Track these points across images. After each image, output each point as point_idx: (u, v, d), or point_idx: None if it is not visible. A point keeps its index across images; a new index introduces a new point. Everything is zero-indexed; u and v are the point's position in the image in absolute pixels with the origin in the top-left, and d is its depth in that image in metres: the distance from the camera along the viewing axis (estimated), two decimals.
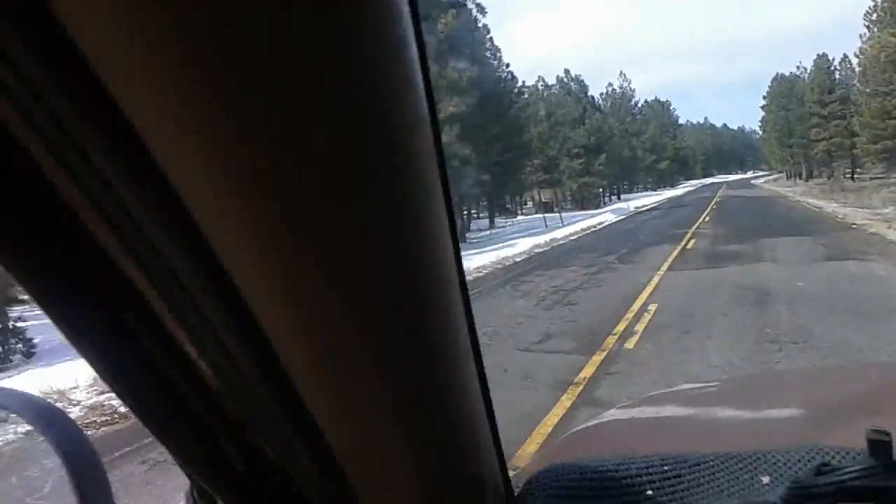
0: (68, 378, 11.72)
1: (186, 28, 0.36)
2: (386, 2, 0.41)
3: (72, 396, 10.68)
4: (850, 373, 2.02)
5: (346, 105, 0.42)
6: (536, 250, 28.20)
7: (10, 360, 16.04)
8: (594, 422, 1.57)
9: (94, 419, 9.00)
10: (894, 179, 48.66)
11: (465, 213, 50.29)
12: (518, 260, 24.64)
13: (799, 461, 0.94)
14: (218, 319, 0.51)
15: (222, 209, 0.44)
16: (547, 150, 59.96)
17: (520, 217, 61.99)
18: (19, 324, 16.49)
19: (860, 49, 51.44)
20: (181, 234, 0.45)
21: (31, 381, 12.95)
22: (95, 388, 10.75)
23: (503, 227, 51.81)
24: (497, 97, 44.60)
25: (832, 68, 73.01)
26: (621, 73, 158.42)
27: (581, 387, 7.35)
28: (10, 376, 14.29)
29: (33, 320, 18.54)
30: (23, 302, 15.99)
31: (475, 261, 27.58)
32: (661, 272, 15.48)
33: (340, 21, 0.39)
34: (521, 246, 31.56)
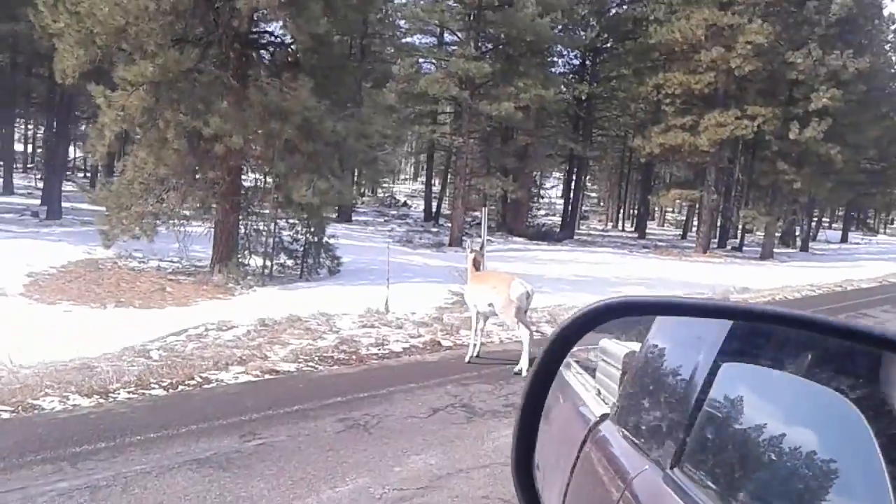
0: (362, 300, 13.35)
1: None
2: None
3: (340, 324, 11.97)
4: None
5: None
6: (892, 279, 24.79)
7: (318, 273, 18.37)
8: None
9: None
10: None
11: (815, 219, 45.60)
12: (864, 286, 21.91)
13: None
14: None
15: None
16: None
17: (881, 236, 54.48)
18: (331, 240, 18.37)
19: None
20: None
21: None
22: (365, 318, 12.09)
23: (857, 244, 46.01)
24: (886, 96, 39.21)
25: None
26: None
27: None
28: (311, 287, 16.47)
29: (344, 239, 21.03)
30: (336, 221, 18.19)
31: (811, 276, 25.03)
32: None
33: None
34: (873, 270, 28.06)
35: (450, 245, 29.08)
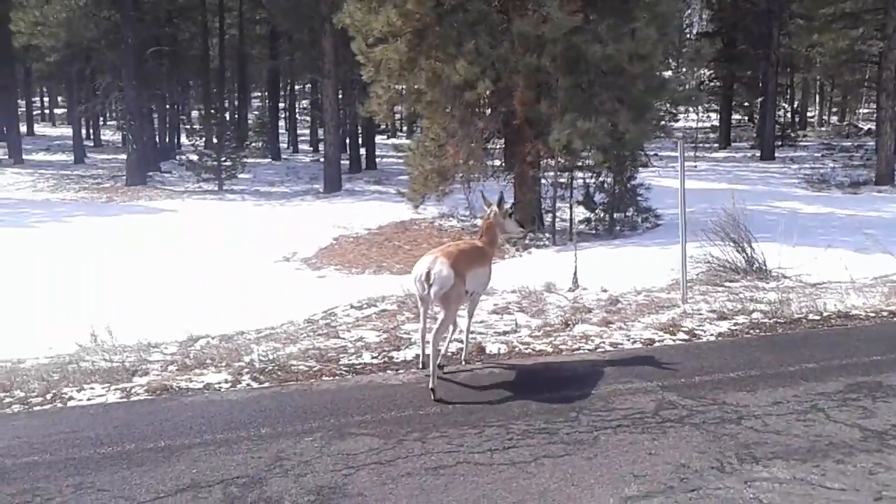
0: None
1: None
2: None
3: None
4: None
5: None
6: None
7: (636, 229, 15.16)
8: None
9: None
10: None
11: None
12: None
13: None
14: None
15: None
16: None
17: None
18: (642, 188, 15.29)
19: None
20: None
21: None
22: None
23: None
24: None
25: None
26: None
27: None
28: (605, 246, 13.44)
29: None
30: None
31: None
32: None
33: None
34: None
35: (877, 183, 22.20)
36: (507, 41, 13.41)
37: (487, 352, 5.64)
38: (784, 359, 5.21)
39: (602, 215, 15.54)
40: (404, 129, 44.57)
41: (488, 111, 14.95)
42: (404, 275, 12.93)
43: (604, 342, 5.86)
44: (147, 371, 5.61)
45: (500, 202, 5.54)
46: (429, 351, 4.80)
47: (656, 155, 34.61)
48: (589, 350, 5.68)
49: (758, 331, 6.08)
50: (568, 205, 15.48)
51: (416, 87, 13.97)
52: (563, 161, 14.81)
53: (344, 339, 6.58)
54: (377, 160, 31.56)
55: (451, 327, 5.23)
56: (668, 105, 15.34)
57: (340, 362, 5.51)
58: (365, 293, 9.66)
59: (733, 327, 6.19)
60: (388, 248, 15.14)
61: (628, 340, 5.89)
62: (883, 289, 7.42)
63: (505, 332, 6.40)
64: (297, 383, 5.09)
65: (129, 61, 26.73)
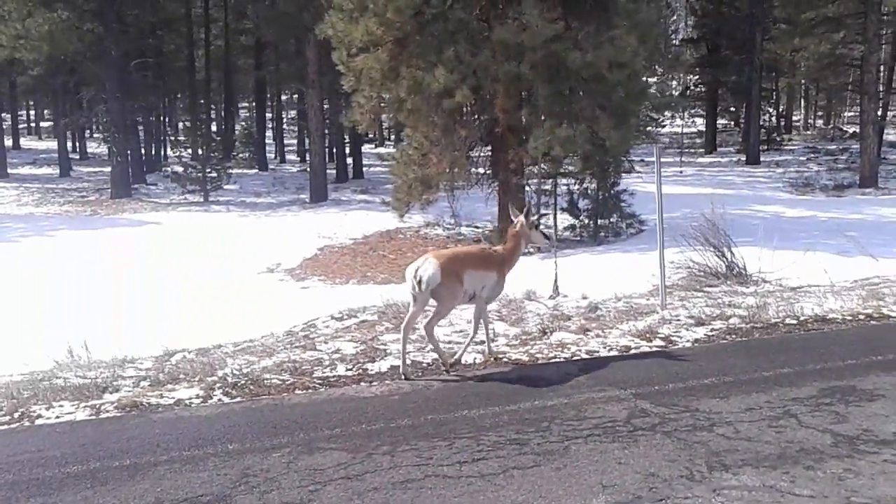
0: None
1: None
2: None
3: None
4: None
5: None
6: None
7: (619, 235, 15.19)
8: None
9: None
10: None
11: None
12: None
13: None
14: None
15: None
16: None
17: None
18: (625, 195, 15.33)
19: None
20: None
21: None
22: None
23: None
24: None
25: None
26: None
27: None
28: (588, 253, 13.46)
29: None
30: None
31: None
32: None
33: None
34: None
35: (860, 186, 22.33)
36: (487, 49, 13.42)
37: (463, 362, 5.60)
38: (759, 364, 5.19)
39: (586, 222, 15.55)
40: (392, 138, 44.56)
41: (471, 119, 14.94)
42: (388, 284, 12.94)
43: (580, 350, 5.84)
44: (119, 387, 5.54)
45: (528, 213, 5.77)
46: (406, 342, 5.31)
47: (642, 161, 34.80)
48: (565, 358, 5.66)
49: (734, 336, 6.07)
50: (552, 212, 15.49)
51: (398, 95, 13.94)
52: (546, 168, 14.82)
53: (321, 350, 6.53)
54: (364, 169, 31.53)
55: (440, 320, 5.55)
56: (649, 111, 15.27)
57: (314, 375, 5.47)
58: (348, 304, 9.60)
59: (710, 333, 6.18)
60: (373, 257, 15.09)
61: (605, 348, 5.86)
62: (861, 292, 7.44)
63: (483, 342, 6.37)
64: (269, 397, 5.03)
65: (112, 74, 26.61)
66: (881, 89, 28.62)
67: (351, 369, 5.59)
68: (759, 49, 30.76)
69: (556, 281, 9.00)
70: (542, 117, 12.89)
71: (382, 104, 14.63)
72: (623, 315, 7.16)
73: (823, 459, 3.69)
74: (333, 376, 5.43)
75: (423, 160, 15.23)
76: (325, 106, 28.35)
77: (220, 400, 5.05)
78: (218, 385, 5.31)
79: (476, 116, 14.99)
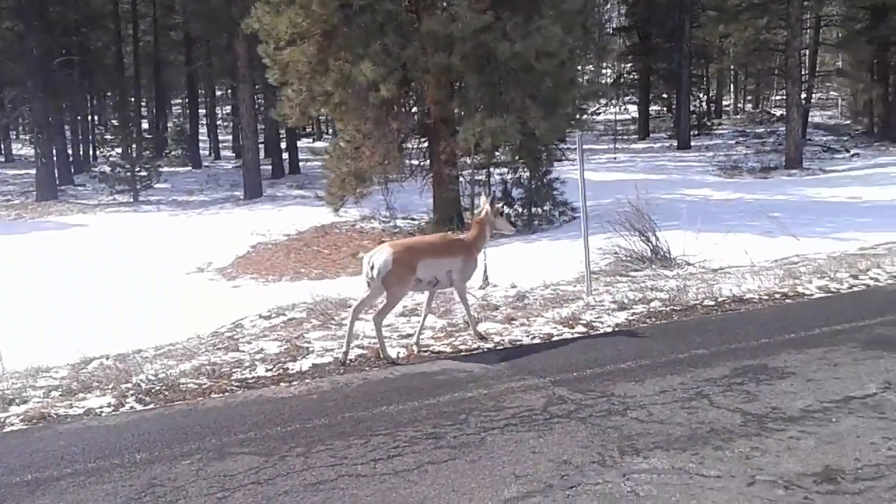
0: None
1: None
2: None
3: None
4: None
5: None
6: None
7: (552, 223, 15.34)
8: None
9: None
10: None
11: None
12: None
13: None
14: None
15: None
16: None
17: None
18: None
19: None
20: None
21: None
22: None
23: None
24: None
25: None
26: None
27: None
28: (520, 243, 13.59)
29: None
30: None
31: None
32: None
33: None
34: None
35: (786, 167, 23.04)
36: (416, 41, 13.33)
37: (394, 356, 5.54)
38: (675, 346, 5.28)
39: (520, 210, 15.63)
40: (330, 131, 44.05)
41: (402, 111, 14.85)
42: (322, 280, 12.80)
43: (503, 340, 5.84)
44: (27, 399, 5.30)
45: (493, 202, 6.03)
46: (352, 327, 5.50)
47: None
48: (488, 349, 5.65)
49: (654, 320, 6.17)
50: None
51: (326, 89, 13.74)
52: (479, 159, 14.83)
53: (243, 351, 6.38)
54: (301, 164, 31.09)
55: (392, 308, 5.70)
56: (578, 101, 15.43)
57: (233, 377, 5.33)
58: (280, 301, 9.44)
59: (631, 317, 6.26)
60: (307, 253, 14.88)
61: (528, 336, 5.88)
62: (779, 271, 7.65)
63: (408, 335, 6.32)
64: (183, 403, 4.89)
65: (34, 72, 25.60)
66: (804, 73, 29.52)
67: (271, 369, 5.47)
68: (687, 36, 31.39)
69: (485, 271, 9.00)
70: (473, 108, 12.87)
71: (312, 97, 14.39)
72: (549, 303, 7.21)
73: (732, 439, 3.76)
74: (252, 378, 5.30)
75: (356, 154, 15.09)
76: (261, 100, 27.89)
77: (132, 408, 4.88)
78: (131, 392, 5.13)
79: (407, 108, 14.89)
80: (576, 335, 5.87)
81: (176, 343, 7.65)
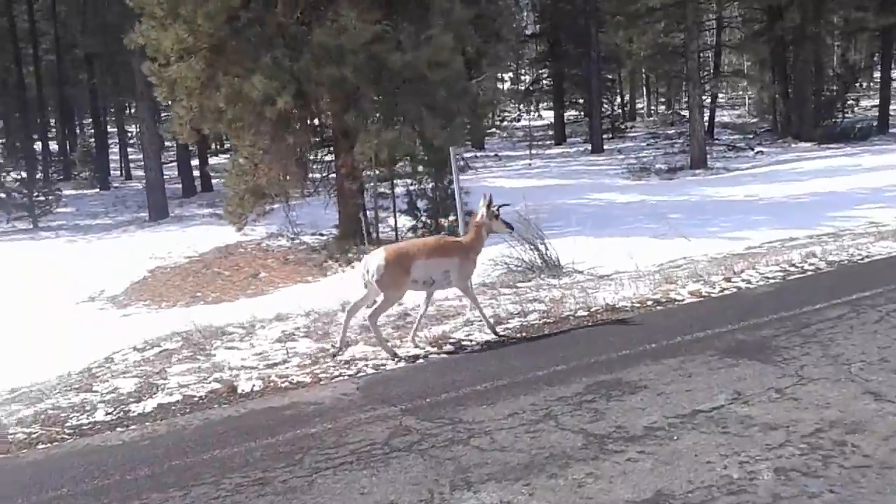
0: None
1: None
2: None
3: None
4: None
5: None
6: None
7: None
8: None
9: None
10: None
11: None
12: None
13: None
14: None
15: None
16: None
17: None
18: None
19: None
20: None
21: None
22: None
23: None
24: None
25: None
26: None
27: None
28: None
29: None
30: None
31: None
32: None
33: None
34: None
35: (692, 168, 23.60)
36: (308, 53, 13.02)
37: (239, 391, 5.23)
38: (537, 363, 5.13)
39: (427, 222, 15.45)
40: None
41: (299, 125, 14.49)
42: (220, 304, 12.35)
43: (367, 365, 5.60)
44: None
45: (489, 204, 6.14)
46: (347, 323, 5.91)
47: (496, 155, 35.45)
48: (350, 376, 5.39)
49: (525, 334, 6.02)
50: (394, 214, 15.31)
51: (216, 105, 13.28)
52: (381, 171, 14.60)
53: (96, 392, 5.94)
54: (215, 181, 30.23)
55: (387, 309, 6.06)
56: (475, 109, 15.31)
57: (68, 424, 4.92)
58: (168, 330, 8.99)
59: (504, 332, 6.10)
60: (207, 276, 14.34)
61: (393, 360, 5.66)
62: (658, 277, 7.64)
63: (275, 364, 6.02)
64: (4, 456, 4.48)
65: None
66: (706, 74, 30.39)
67: (112, 412, 5.08)
68: (595, 42, 31.91)
69: None
70: (369, 120, 12.63)
71: (203, 114, 13.89)
72: (430, 320, 6.99)
73: (569, 464, 3.60)
74: (88, 423, 4.91)
75: (256, 170, 14.67)
76: (170, 115, 26.99)
77: None
78: None
79: (305, 122, 14.55)
80: (442, 355, 5.68)
81: (36, 383, 7.16)
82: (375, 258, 5.69)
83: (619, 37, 28.21)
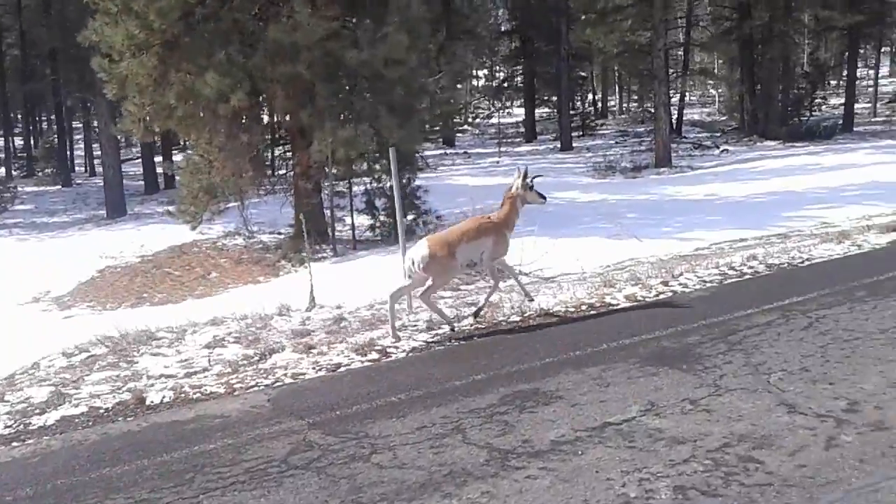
0: None
1: None
2: None
3: None
4: None
5: None
6: None
7: (415, 232, 15.10)
8: None
9: None
10: None
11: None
12: None
13: None
14: None
15: None
16: None
17: None
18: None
19: None
20: None
21: None
22: None
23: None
24: None
25: None
26: None
27: None
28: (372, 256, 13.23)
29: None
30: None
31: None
32: None
33: None
34: None
35: (656, 166, 23.59)
36: (261, 50, 12.75)
37: (147, 402, 5.02)
38: (457, 372, 4.98)
39: (385, 220, 15.24)
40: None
41: (253, 123, 14.21)
42: (166, 305, 12.07)
43: (286, 374, 5.41)
44: None
45: (525, 176, 6.42)
46: (393, 309, 6.08)
47: (465, 153, 35.28)
48: (266, 385, 5.20)
49: (455, 341, 5.86)
50: (351, 213, 15.09)
51: (168, 102, 12.96)
52: (339, 169, 14.36)
53: (7, 402, 5.70)
54: (176, 179, 29.75)
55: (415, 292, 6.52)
56: (434, 108, 15.08)
57: None
58: (103, 334, 8.73)
59: (432, 339, 5.94)
60: (157, 276, 14.03)
61: (314, 369, 5.47)
62: (599, 280, 7.52)
63: (194, 373, 5.82)
64: None
65: None
66: (674, 72, 30.42)
67: (11, 425, 4.86)
68: (565, 39, 31.84)
69: (311, 291, 8.56)
70: (324, 118, 12.39)
71: (156, 111, 13.56)
72: (365, 325, 6.84)
73: (467, 482, 3.46)
74: None
75: (210, 167, 14.38)
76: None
77: None
78: None
79: (260, 120, 14.29)
80: (365, 363, 5.50)
81: None
82: (419, 249, 6.02)
83: (588, 34, 28.11)
